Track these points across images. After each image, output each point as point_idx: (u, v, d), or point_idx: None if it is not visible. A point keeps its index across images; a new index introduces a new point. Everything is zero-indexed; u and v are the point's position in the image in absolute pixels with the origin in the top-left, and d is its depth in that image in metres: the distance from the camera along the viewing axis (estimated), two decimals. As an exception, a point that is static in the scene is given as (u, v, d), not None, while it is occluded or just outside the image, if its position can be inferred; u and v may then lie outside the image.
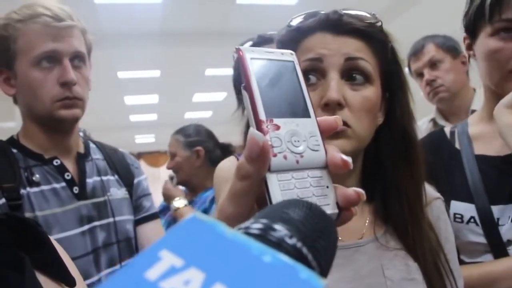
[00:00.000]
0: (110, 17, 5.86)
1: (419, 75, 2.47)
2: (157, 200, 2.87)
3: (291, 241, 0.31)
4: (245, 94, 0.46)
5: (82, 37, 1.42)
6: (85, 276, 1.30)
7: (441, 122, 2.47)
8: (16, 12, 1.35)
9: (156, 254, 0.25)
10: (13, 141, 1.41)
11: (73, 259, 1.28)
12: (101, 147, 1.61)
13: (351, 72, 0.88)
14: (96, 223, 1.39)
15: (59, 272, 0.73)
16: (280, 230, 0.31)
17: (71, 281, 0.74)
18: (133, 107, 10.84)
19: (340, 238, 0.90)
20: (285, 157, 0.44)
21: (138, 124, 12.58)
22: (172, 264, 0.25)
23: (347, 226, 0.91)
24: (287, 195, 0.43)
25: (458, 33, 1.39)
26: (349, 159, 0.46)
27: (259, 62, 0.48)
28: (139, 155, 14.45)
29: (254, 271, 0.25)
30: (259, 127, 0.45)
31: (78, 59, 1.39)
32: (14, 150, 1.37)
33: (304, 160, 0.45)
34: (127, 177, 1.58)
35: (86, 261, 1.33)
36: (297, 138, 0.46)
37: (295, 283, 0.25)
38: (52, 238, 0.79)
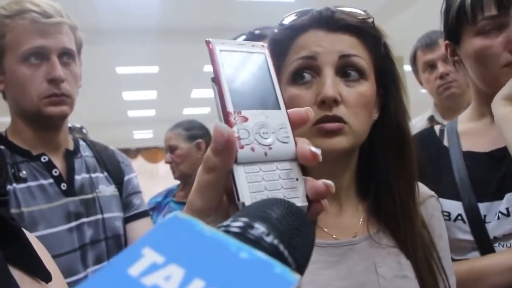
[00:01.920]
0: (109, 12, 5.86)
1: (431, 66, 2.41)
2: (155, 195, 2.89)
3: (269, 238, 0.32)
4: (214, 86, 0.46)
5: (71, 34, 1.41)
6: (72, 273, 1.31)
7: (440, 119, 2.43)
8: (4, 7, 1.35)
9: (139, 251, 0.27)
10: (0, 138, 1.41)
11: (60, 255, 1.26)
12: (91, 144, 1.60)
13: (345, 69, 0.88)
14: (84, 219, 1.39)
15: (34, 266, 0.73)
16: (258, 228, 0.33)
17: (46, 276, 0.74)
18: (131, 102, 10.82)
19: (334, 236, 0.92)
20: (252, 149, 0.44)
21: (136, 119, 12.57)
22: (153, 261, 0.26)
23: (341, 224, 0.93)
24: (254, 187, 0.43)
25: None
26: (318, 151, 0.46)
27: (229, 54, 0.48)
28: (137, 151, 14.47)
29: (232, 267, 0.27)
30: (226, 119, 0.44)
31: (66, 56, 1.39)
32: (1, 147, 1.37)
33: (272, 152, 0.45)
34: (116, 175, 1.57)
35: (73, 257, 1.33)
36: (265, 130, 0.45)
37: (270, 278, 0.26)
38: (30, 233, 0.79)
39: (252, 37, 1.67)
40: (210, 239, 0.28)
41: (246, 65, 0.49)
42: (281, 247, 0.32)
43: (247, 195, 0.43)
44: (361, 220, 0.96)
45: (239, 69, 0.48)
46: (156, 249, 0.27)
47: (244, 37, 1.69)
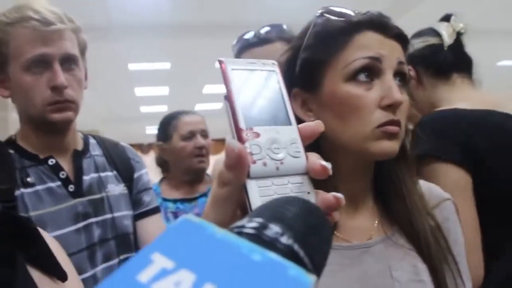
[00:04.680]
0: (121, 9, 5.87)
1: None
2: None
3: (283, 238, 0.31)
4: (226, 103, 0.47)
5: (74, 38, 1.40)
6: (79, 272, 1.30)
7: None
8: (6, 14, 1.35)
9: (148, 257, 0.26)
10: (10, 142, 1.43)
11: (68, 255, 1.31)
12: (101, 142, 1.60)
13: (398, 76, 0.89)
14: (92, 219, 1.40)
15: (51, 266, 0.76)
16: (273, 228, 0.32)
17: (63, 275, 0.76)
18: (144, 98, 10.88)
19: (349, 238, 0.91)
20: (264, 164, 0.45)
21: (149, 115, 12.61)
22: (163, 267, 0.25)
23: (356, 227, 0.92)
24: (266, 201, 0.43)
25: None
26: (328, 165, 0.46)
27: (240, 73, 0.49)
28: (149, 146, 14.51)
29: (244, 270, 0.26)
30: (239, 135, 0.46)
31: (69, 61, 1.38)
32: (11, 151, 1.38)
33: (284, 166, 0.46)
34: (126, 172, 1.57)
35: (80, 257, 1.34)
36: (277, 145, 0.46)
37: (284, 280, 0.26)
38: (46, 233, 0.82)
39: (258, 40, 1.60)
40: (221, 242, 0.27)
41: (257, 82, 0.50)
42: (296, 246, 0.32)
43: None
44: (376, 222, 0.95)
45: (250, 87, 0.49)
46: (166, 254, 0.26)
47: (253, 33, 1.63)
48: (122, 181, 1.54)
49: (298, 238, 0.32)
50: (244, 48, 1.61)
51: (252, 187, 0.45)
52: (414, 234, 0.91)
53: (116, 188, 1.50)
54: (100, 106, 9.63)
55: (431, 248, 0.90)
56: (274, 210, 0.35)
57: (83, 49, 1.46)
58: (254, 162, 0.45)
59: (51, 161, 1.40)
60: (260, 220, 0.33)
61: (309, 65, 0.92)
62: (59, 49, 1.35)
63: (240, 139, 0.45)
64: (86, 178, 1.45)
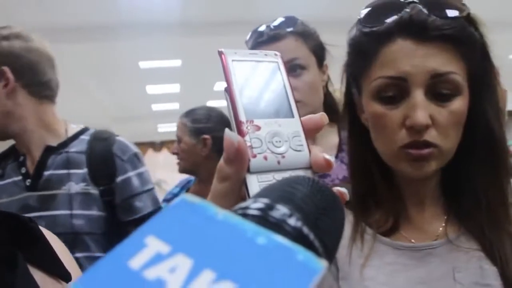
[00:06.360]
0: (130, 7, 5.87)
1: None
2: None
3: (291, 220, 0.29)
4: (226, 96, 0.46)
5: None
6: None
7: None
8: None
9: (142, 240, 0.24)
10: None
11: None
12: (92, 139, 1.59)
13: (437, 89, 0.80)
14: (40, 213, 1.45)
15: (54, 267, 0.74)
16: (280, 209, 0.29)
17: (67, 276, 0.75)
18: (155, 96, 10.87)
19: (413, 239, 0.87)
20: (265, 158, 0.44)
21: (160, 113, 12.62)
22: (158, 251, 0.23)
23: (422, 227, 0.89)
24: None
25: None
26: (332, 158, 0.44)
27: (241, 64, 0.48)
28: (162, 144, 14.57)
29: (247, 255, 0.23)
30: (238, 128, 0.44)
31: None
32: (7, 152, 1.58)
33: (285, 160, 0.44)
34: (102, 171, 1.53)
35: None
36: (278, 139, 0.45)
37: (291, 266, 0.23)
38: (50, 233, 0.80)
39: (268, 38, 1.50)
40: (222, 224, 0.25)
41: (258, 74, 0.49)
42: (306, 229, 0.29)
43: None
44: (443, 222, 0.90)
45: (251, 79, 0.48)
46: (161, 237, 0.24)
47: (264, 27, 1.52)
48: (92, 179, 1.51)
49: (308, 220, 0.30)
50: (255, 47, 1.51)
51: (252, 182, 0.43)
52: (485, 238, 0.84)
53: (75, 187, 1.49)
54: (112, 105, 9.65)
55: (506, 252, 0.82)
56: (282, 190, 0.32)
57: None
58: (254, 156, 0.43)
59: (21, 158, 1.54)
60: (266, 200, 0.30)
61: (350, 75, 0.92)
62: None
63: (240, 132, 0.44)
64: (46, 173, 1.51)
